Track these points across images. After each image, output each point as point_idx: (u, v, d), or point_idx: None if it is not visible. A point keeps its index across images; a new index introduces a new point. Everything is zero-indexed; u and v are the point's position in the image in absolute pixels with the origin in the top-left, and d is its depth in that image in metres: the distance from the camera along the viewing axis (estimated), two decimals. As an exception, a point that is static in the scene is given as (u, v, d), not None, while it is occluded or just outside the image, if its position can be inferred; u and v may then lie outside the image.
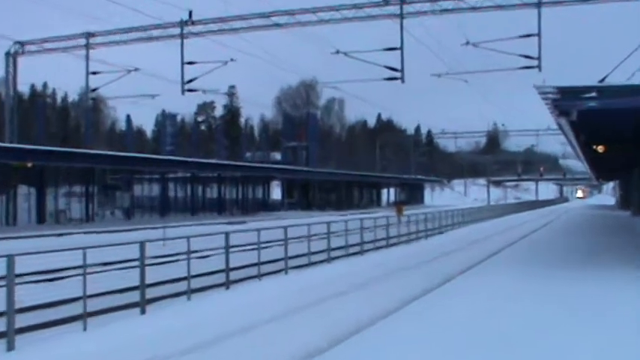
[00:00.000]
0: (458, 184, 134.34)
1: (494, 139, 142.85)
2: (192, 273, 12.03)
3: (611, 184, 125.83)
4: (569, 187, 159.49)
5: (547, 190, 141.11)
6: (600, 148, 25.23)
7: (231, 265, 13.36)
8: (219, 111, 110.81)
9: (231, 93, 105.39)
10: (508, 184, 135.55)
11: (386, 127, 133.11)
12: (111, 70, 37.20)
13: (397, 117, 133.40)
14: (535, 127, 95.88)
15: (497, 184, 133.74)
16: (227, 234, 13.39)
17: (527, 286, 13.39)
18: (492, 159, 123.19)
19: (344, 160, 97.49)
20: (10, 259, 8.56)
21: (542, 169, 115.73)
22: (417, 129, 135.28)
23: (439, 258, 20.39)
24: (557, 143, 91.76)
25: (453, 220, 34.56)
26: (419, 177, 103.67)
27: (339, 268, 16.89)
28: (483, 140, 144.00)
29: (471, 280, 15.04)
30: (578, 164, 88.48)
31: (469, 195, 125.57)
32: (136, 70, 37.50)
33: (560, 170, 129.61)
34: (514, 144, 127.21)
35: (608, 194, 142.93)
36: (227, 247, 13.21)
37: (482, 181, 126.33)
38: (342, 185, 77.95)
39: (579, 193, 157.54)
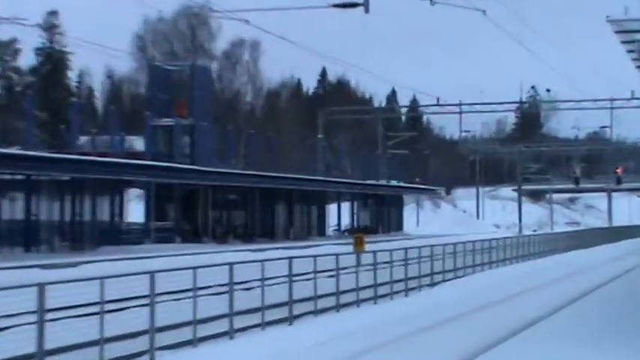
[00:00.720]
0: (464, 196, 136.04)
1: (531, 115, 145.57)
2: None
3: None
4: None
5: (629, 207, 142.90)
6: None
7: (50, 346, 13.26)
8: (28, 58, 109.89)
9: (50, 25, 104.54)
10: (556, 196, 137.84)
11: (336, 92, 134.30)
12: None
13: (356, 75, 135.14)
14: (607, 94, 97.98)
15: (537, 196, 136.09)
16: (41, 287, 13.28)
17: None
18: (528, 151, 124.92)
19: (260, 153, 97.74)
20: None
21: (619, 169, 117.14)
22: (392, 97, 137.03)
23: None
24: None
25: (454, 262, 34.99)
26: (394, 184, 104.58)
27: (245, 349, 16.95)
28: (512, 117, 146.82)
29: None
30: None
31: (484, 216, 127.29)
32: None
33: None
34: (567, 125, 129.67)
35: None
36: (41, 312, 13.10)
37: (508, 191, 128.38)
38: (255, 198, 78.05)
39: None
